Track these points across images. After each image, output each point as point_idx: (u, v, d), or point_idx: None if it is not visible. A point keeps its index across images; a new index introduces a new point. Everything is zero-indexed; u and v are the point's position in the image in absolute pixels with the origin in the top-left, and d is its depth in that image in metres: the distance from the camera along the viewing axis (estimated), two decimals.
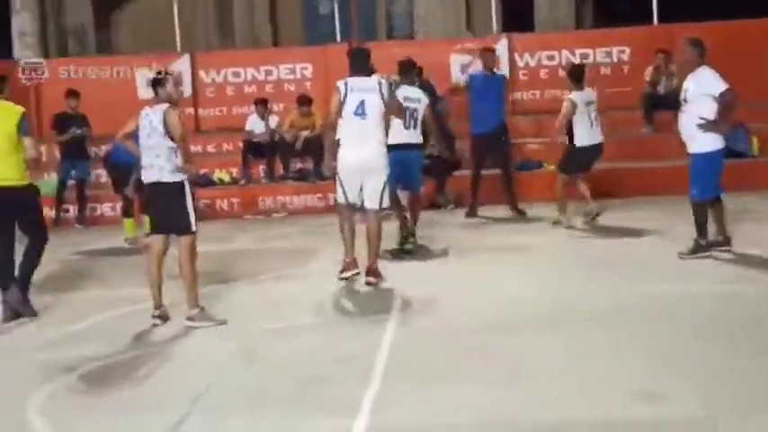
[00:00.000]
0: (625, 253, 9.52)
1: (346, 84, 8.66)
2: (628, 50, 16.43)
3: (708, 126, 8.78)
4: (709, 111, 8.81)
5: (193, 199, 7.63)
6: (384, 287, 8.55)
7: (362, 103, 8.55)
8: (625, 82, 16.02)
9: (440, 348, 6.51)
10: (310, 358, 6.48)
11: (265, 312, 8.04)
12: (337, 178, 8.78)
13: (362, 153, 8.58)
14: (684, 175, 9.21)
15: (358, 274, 8.78)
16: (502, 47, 16.29)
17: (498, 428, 5.02)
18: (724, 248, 9.12)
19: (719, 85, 8.78)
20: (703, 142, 8.89)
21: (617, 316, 7.17)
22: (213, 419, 5.41)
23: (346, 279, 8.75)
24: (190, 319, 7.48)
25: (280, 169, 15.30)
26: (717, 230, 9.19)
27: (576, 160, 11.54)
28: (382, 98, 8.62)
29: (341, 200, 8.83)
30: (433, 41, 17.50)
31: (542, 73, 16.45)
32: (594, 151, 11.58)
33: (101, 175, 14.46)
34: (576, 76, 11.58)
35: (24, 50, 18.34)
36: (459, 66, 16.33)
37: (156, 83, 7.55)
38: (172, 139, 7.39)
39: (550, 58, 16.60)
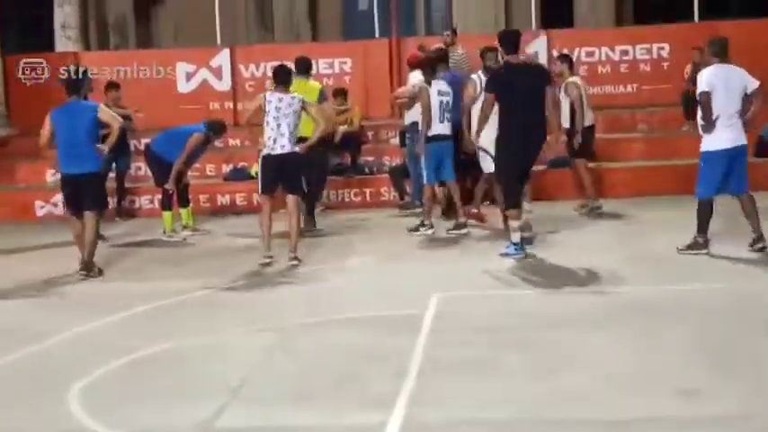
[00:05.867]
0: (665, 248, 9.42)
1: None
2: (667, 47, 16.29)
3: (702, 127, 9.10)
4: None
5: None
6: (420, 282, 8.56)
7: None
8: (665, 79, 15.90)
9: (477, 343, 6.51)
10: (346, 352, 6.52)
11: (302, 306, 8.10)
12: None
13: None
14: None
15: None
16: (541, 43, 16.22)
17: (535, 425, 5.03)
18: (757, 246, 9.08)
19: (699, 88, 9.03)
20: (703, 142, 9.14)
21: (659, 312, 7.17)
22: (250, 412, 5.48)
23: None
24: (294, 258, 9.53)
25: None
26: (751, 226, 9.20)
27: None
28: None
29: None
30: (472, 36, 17.39)
31: (581, 70, 16.28)
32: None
33: (140, 167, 14.56)
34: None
35: (65, 43, 18.47)
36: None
37: (278, 74, 9.86)
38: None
39: (590, 54, 16.50)
